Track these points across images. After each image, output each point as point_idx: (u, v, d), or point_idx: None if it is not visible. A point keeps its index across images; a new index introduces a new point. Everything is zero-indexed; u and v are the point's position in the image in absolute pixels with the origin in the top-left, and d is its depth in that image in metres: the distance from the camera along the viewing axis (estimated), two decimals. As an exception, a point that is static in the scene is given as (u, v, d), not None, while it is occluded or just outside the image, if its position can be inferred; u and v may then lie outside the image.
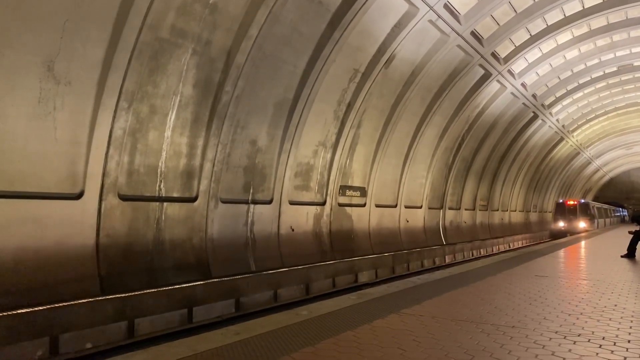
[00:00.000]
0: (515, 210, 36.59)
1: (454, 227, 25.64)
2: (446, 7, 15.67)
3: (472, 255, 25.47)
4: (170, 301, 9.50)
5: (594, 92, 31.82)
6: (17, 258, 7.75)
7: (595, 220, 39.73)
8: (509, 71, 22.80)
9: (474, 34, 18.14)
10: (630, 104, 36.32)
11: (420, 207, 22.15)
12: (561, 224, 38.50)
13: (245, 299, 11.17)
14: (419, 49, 16.78)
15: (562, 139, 37.70)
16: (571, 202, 39.41)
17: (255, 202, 12.81)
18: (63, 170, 8.46)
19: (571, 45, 23.11)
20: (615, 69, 28.17)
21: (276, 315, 5.50)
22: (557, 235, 36.79)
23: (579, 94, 31.10)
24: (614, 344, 4.44)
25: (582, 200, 40.58)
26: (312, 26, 12.70)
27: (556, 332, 4.81)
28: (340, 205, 16.38)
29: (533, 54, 23.04)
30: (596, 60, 26.30)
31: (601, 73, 28.49)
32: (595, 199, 66.44)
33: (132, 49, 8.81)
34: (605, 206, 55.41)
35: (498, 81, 22.58)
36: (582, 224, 37.15)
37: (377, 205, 18.51)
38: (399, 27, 15.04)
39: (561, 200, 40.92)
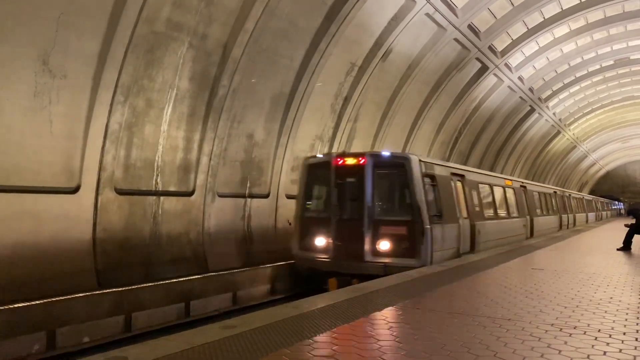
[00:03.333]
0: (512, 204, 36.53)
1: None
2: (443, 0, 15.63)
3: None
4: (168, 295, 9.50)
5: (590, 86, 31.87)
6: (14, 252, 7.74)
7: (458, 227, 11.11)
8: (506, 65, 22.78)
9: (471, 27, 18.10)
10: (627, 98, 36.40)
11: (417, 201, 22.13)
12: (319, 242, 10.42)
13: (242, 293, 11.18)
14: (416, 42, 16.75)
15: (558, 133, 37.75)
16: (350, 161, 10.37)
17: (252, 196, 12.80)
18: (59, 164, 8.43)
19: (568, 38, 23.12)
20: (612, 62, 28.21)
21: (273, 309, 5.50)
22: (307, 271, 11.01)
23: (576, 88, 31.15)
24: (610, 337, 4.46)
25: (386, 153, 10.28)
26: (309, 19, 12.65)
27: (552, 325, 4.83)
28: (337, 199, 16.34)
29: (530, 48, 23.03)
30: (593, 54, 26.32)
31: (598, 66, 28.53)
32: (592, 192, 65.20)
33: (128, 43, 8.76)
34: (536, 187, 20.45)
35: (495, 75, 22.56)
36: (383, 245, 9.68)
37: (374, 199, 18.48)
38: (395, 20, 15.00)
39: (320, 157, 11.34)
